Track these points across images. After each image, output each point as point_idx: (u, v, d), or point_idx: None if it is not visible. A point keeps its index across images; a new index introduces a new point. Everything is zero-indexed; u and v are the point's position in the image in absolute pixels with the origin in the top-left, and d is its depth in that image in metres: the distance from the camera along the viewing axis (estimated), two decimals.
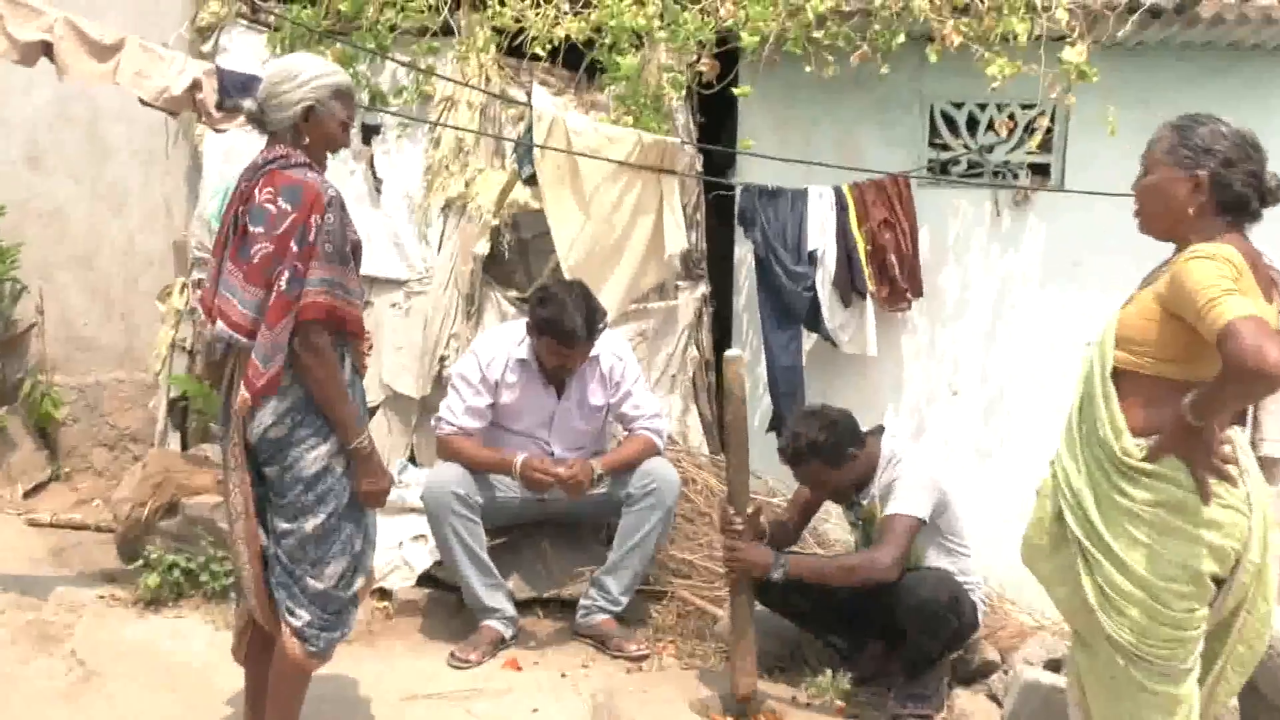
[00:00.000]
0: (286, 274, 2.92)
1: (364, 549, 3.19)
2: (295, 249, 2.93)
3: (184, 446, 5.81)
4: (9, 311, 6.10)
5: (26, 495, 5.89)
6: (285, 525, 3.07)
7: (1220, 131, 2.69)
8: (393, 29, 5.47)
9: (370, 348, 3.28)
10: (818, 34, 5.04)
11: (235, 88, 4.42)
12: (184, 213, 6.14)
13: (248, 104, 3.11)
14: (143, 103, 4.45)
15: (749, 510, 4.00)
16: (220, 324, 2.98)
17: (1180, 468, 2.59)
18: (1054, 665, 3.83)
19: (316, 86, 3.06)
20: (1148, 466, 2.61)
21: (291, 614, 3.10)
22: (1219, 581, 2.65)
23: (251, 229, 2.96)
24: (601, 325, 4.51)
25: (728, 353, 4.01)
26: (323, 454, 3.04)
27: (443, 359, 5.50)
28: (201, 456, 5.33)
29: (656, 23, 5.21)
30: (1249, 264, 2.59)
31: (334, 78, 3.11)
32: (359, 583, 3.20)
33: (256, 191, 2.98)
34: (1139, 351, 2.68)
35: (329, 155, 3.19)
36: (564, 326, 4.36)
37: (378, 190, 5.56)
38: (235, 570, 3.26)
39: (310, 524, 3.05)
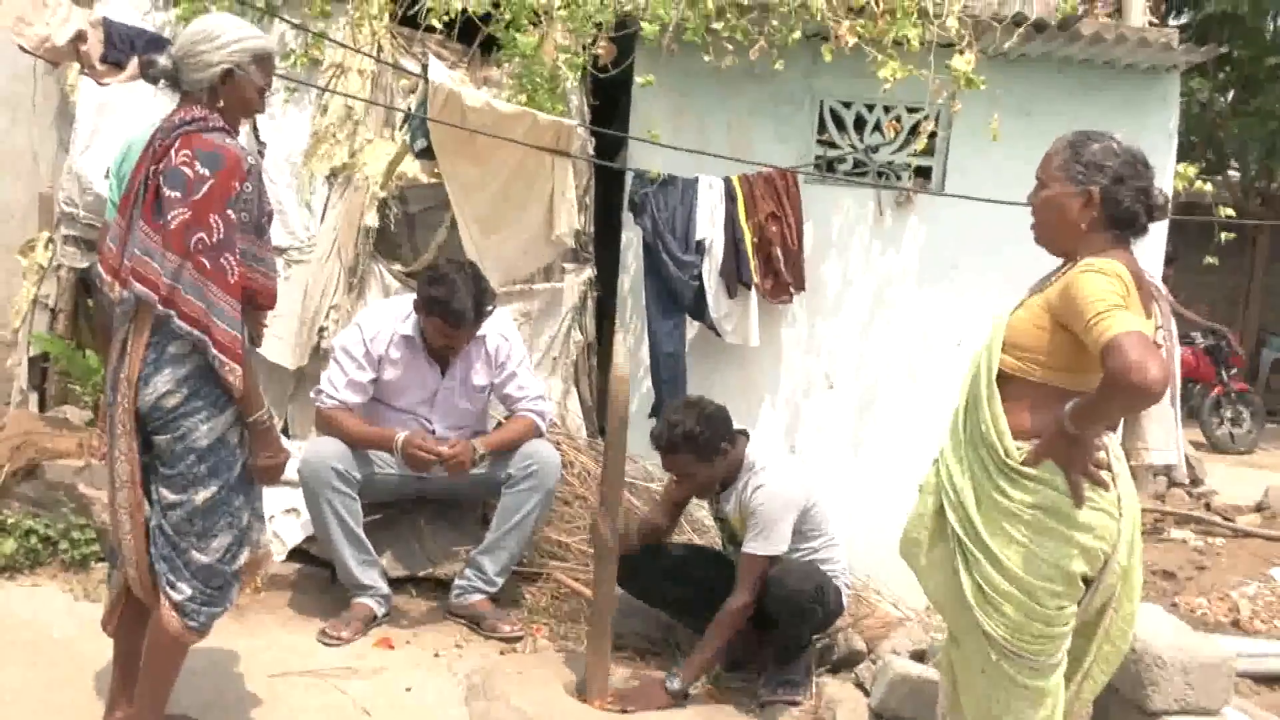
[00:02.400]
0: (236, 245, 2.91)
1: (250, 523, 3.15)
2: (231, 216, 2.89)
3: (42, 407, 5.63)
4: None
5: None
6: (174, 496, 3.00)
7: (1112, 149, 2.80)
8: None
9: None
10: (717, 25, 5.11)
11: (122, 40, 4.29)
12: (51, 164, 5.90)
13: (163, 61, 3.02)
14: (23, 50, 4.26)
15: (621, 531, 4.03)
16: (138, 285, 2.88)
17: (1058, 471, 2.69)
18: (919, 655, 3.96)
19: (237, 50, 3.00)
20: (1027, 469, 2.70)
21: (172, 587, 3.04)
22: (1088, 581, 2.76)
23: (167, 192, 2.88)
24: (490, 308, 4.50)
25: (616, 371, 3.99)
26: (218, 425, 2.99)
27: (322, 330, 5.41)
28: (62, 419, 5.17)
29: (556, 1, 5.21)
30: (1134, 279, 2.71)
31: (255, 42, 3.06)
32: (244, 557, 3.15)
33: (173, 152, 2.90)
34: (1026, 358, 2.77)
35: (243, 120, 3.14)
36: (453, 307, 4.33)
37: (261, 154, 5.41)
38: (114, 540, 3.17)
39: (200, 496, 2.99)
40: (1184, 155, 14.87)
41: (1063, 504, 2.70)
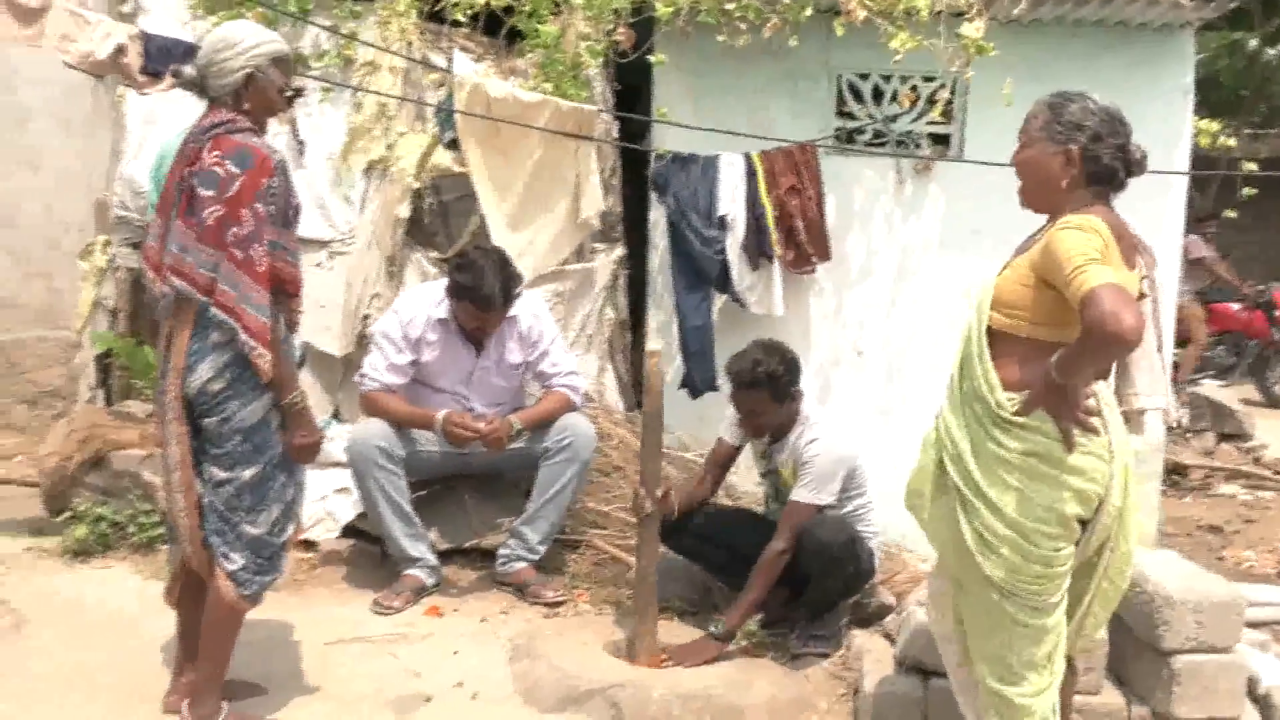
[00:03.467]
0: (266, 236, 3.08)
1: (295, 497, 3.36)
2: (260, 211, 3.07)
3: (107, 402, 5.87)
4: None
5: None
6: (223, 474, 3.20)
7: (1089, 108, 2.92)
8: None
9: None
10: (729, 5, 5.20)
11: (160, 52, 4.49)
12: (105, 174, 6.12)
13: (188, 70, 3.21)
14: (68, 65, 4.48)
15: (659, 493, 4.20)
16: (177, 280, 3.09)
17: (1048, 419, 2.81)
18: None
19: (256, 54, 3.17)
20: (1019, 419, 2.83)
21: (226, 559, 3.25)
22: (1084, 523, 2.89)
23: (201, 191, 3.07)
24: (518, 291, 4.66)
25: (648, 346, 4.19)
26: (259, 407, 3.19)
27: (365, 318, 5.57)
28: (126, 412, 5.41)
29: None
30: (1115, 234, 2.82)
31: (273, 45, 3.23)
32: (291, 529, 3.36)
33: (204, 154, 3.09)
34: (1014, 314, 2.90)
35: (269, 120, 3.31)
36: (481, 293, 4.51)
37: (300, 152, 5.58)
38: (170, 518, 3.38)
39: (248, 473, 3.20)
40: (1235, 109, 14.75)
41: (1054, 450, 2.81)
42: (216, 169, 3.07)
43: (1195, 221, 10.65)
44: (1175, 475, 7.94)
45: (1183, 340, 11.08)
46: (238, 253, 3.06)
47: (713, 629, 4.19)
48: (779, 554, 4.15)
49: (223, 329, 3.10)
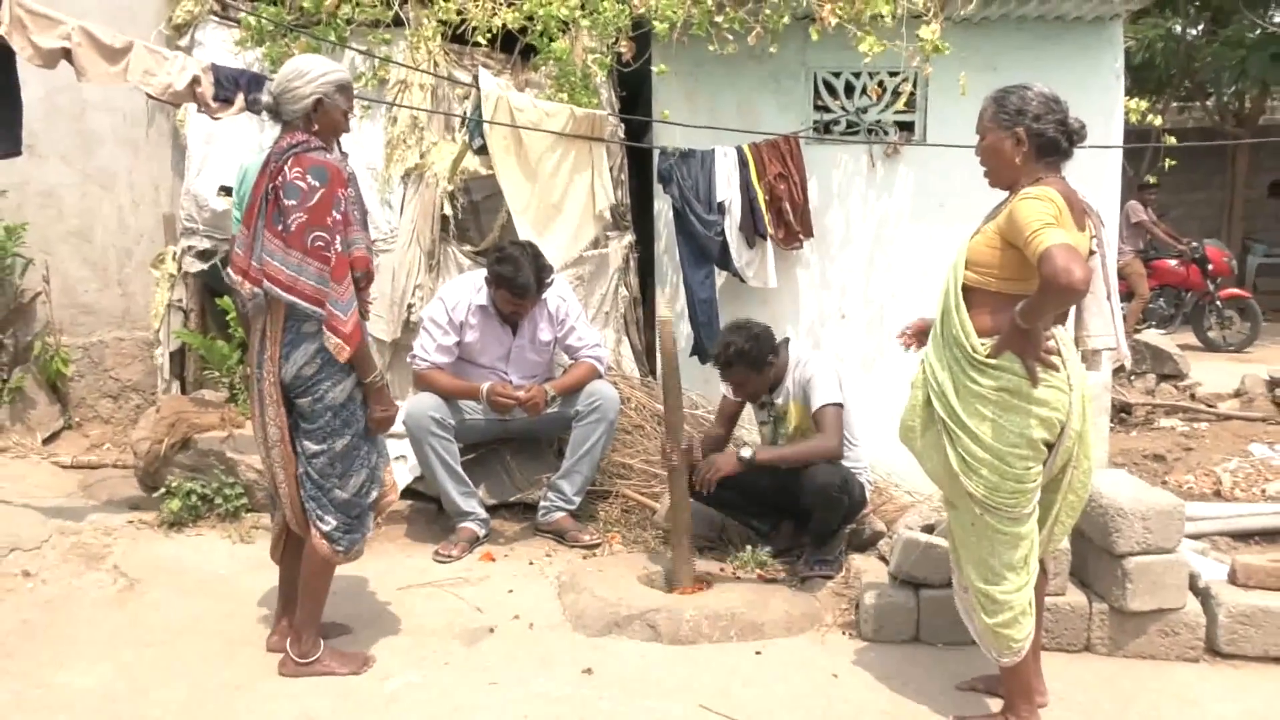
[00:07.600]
0: (339, 239, 3.25)
1: (378, 463, 3.55)
2: (339, 217, 3.24)
3: (183, 391, 6.05)
4: (18, 282, 6.23)
5: (45, 442, 6.08)
6: (316, 447, 3.39)
7: (1027, 95, 3.15)
8: (349, 22, 5.71)
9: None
10: (718, 19, 5.39)
11: (228, 80, 4.66)
12: (170, 190, 6.30)
13: (265, 98, 3.39)
14: (150, 97, 4.65)
15: (684, 446, 4.39)
16: (266, 283, 3.25)
17: (1016, 360, 3.06)
18: (928, 529, 4.27)
19: (323, 83, 3.34)
20: (991, 360, 3.08)
21: (320, 520, 3.45)
22: (1049, 446, 3.13)
23: (285, 202, 3.23)
24: (549, 280, 4.87)
25: (659, 316, 4.39)
26: (346, 386, 3.38)
27: (410, 307, 5.76)
28: (204, 399, 5.60)
29: (579, 12, 5.51)
30: (1066, 201, 3.06)
31: (337, 75, 3.40)
32: (375, 492, 3.54)
33: (286, 170, 3.25)
34: (984, 272, 3.13)
35: (336, 139, 3.46)
36: (519, 282, 4.73)
37: None
38: (271, 488, 3.58)
39: (339, 444, 3.39)
40: (1163, 87, 14.93)
41: (1022, 385, 3.06)
42: (299, 182, 3.23)
43: (1138, 189, 10.92)
44: (1123, 413, 8.17)
45: (1127, 295, 11.35)
46: (325, 254, 3.22)
47: (743, 454, 4.35)
48: (826, 449, 4.32)
49: (312, 320, 3.27)
